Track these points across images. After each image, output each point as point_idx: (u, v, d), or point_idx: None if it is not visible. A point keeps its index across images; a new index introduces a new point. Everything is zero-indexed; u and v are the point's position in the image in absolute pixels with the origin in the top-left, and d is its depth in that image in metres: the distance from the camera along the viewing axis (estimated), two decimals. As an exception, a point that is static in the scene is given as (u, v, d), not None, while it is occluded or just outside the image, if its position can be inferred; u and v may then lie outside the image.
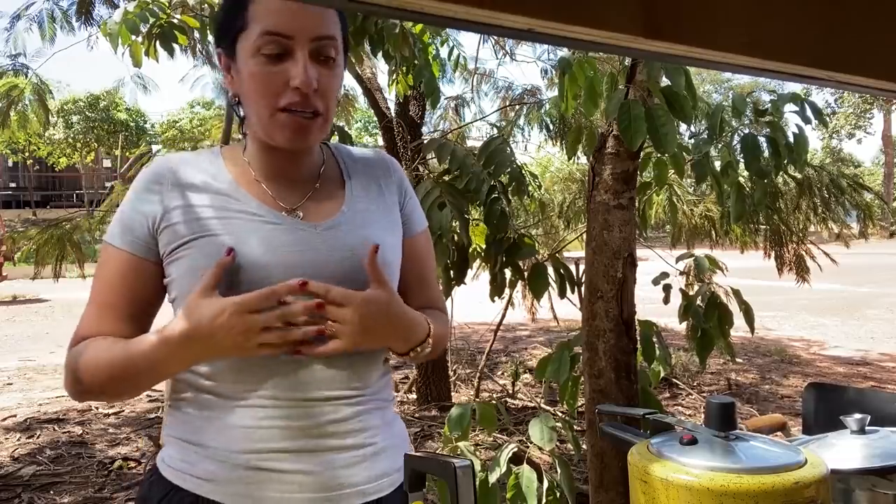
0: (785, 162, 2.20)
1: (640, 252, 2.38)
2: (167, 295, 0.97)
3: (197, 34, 2.94)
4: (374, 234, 0.97)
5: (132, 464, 3.87)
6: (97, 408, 5.09)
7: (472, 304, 5.42)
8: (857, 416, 0.97)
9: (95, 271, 0.98)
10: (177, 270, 0.93)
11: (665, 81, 1.87)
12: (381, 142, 5.19)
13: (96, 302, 0.96)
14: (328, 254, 0.93)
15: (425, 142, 3.81)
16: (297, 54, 0.89)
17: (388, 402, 1.02)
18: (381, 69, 4.91)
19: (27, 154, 26.47)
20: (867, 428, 0.97)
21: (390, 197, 1.05)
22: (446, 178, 2.33)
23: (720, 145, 2.48)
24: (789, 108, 2.18)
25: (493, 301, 2.59)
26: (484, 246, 2.47)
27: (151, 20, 2.58)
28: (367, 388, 0.96)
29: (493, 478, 1.93)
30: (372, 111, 5.06)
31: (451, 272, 2.35)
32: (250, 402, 0.90)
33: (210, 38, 3.01)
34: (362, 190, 1.02)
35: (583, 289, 2.21)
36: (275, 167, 0.98)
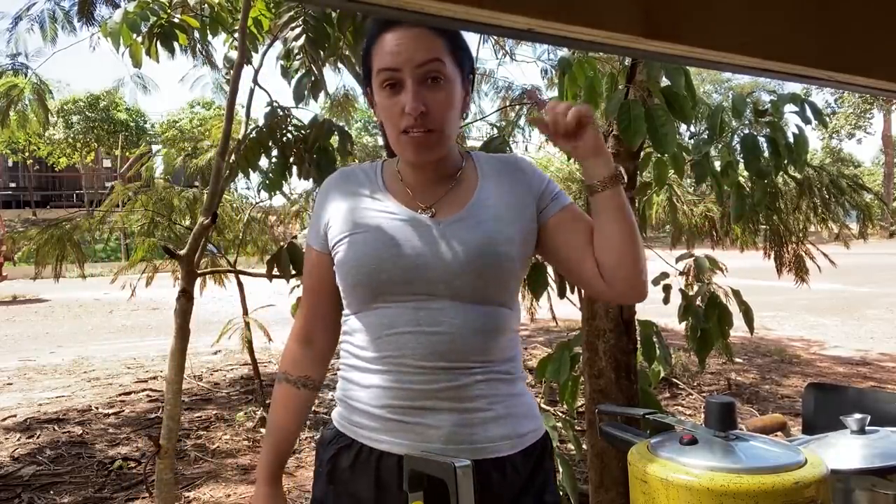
0: (785, 162, 2.19)
1: (640, 252, 2.36)
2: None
3: (197, 34, 2.94)
4: (493, 226, 1.11)
5: (132, 464, 3.87)
6: (97, 408, 5.09)
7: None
8: (857, 416, 0.97)
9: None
10: (337, 260, 1.14)
11: (665, 81, 1.87)
12: (380, 141, 5.19)
13: (303, 290, 1.26)
14: (446, 245, 1.09)
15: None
16: (406, 84, 1.06)
17: (511, 376, 1.14)
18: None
19: (27, 154, 26.43)
20: (867, 428, 0.97)
21: (522, 193, 1.17)
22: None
23: (720, 145, 2.48)
24: (789, 108, 2.18)
25: (493, 301, 2.59)
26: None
27: (152, 20, 2.58)
28: (488, 362, 1.10)
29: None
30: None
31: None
32: (385, 367, 1.09)
33: (210, 37, 3.01)
34: (493, 189, 1.16)
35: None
36: (416, 173, 1.17)
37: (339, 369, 1.20)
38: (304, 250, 1.27)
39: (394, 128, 1.09)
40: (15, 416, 4.91)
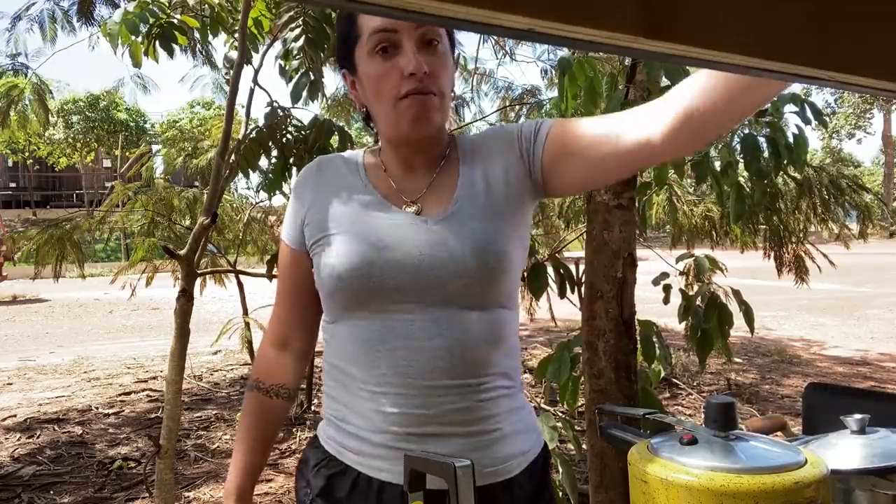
0: (785, 162, 2.19)
1: (640, 252, 2.38)
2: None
3: (197, 34, 2.94)
4: (484, 223, 1.01)
5: (132, 464, 3.87)
6: (97, 408, 5.09)
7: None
8: (857, 416, 0.97)
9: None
10: (315, 262, 1.05)
11: (665, 81, 1.87)
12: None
13: (277, 289, 1.15)
14: (438, 246, 0.99)
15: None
16: (405, 46, 0.97)
17: (512, 390, 1.06)
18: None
19: (27, 154, 26.45)
20: (867, 428, 0.97)
21: (509, 162, 1.05)
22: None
23: (720, 145, 2.48)
24: (789, 108, 2.18)
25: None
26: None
27: (151, 20, 2.58)
28: (490, 375, 1.01)
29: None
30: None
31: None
32: (383, 388, 0.99)
33: (210, 38, 3.01)
34: (474, 174, 1.05)
35: (583, 289, 2.21)
36: (401, 160, 1.07)
37: (324, 388, 1.11)
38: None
39: (390, 96, 0.98)
40: (15, 416, 4.91)
